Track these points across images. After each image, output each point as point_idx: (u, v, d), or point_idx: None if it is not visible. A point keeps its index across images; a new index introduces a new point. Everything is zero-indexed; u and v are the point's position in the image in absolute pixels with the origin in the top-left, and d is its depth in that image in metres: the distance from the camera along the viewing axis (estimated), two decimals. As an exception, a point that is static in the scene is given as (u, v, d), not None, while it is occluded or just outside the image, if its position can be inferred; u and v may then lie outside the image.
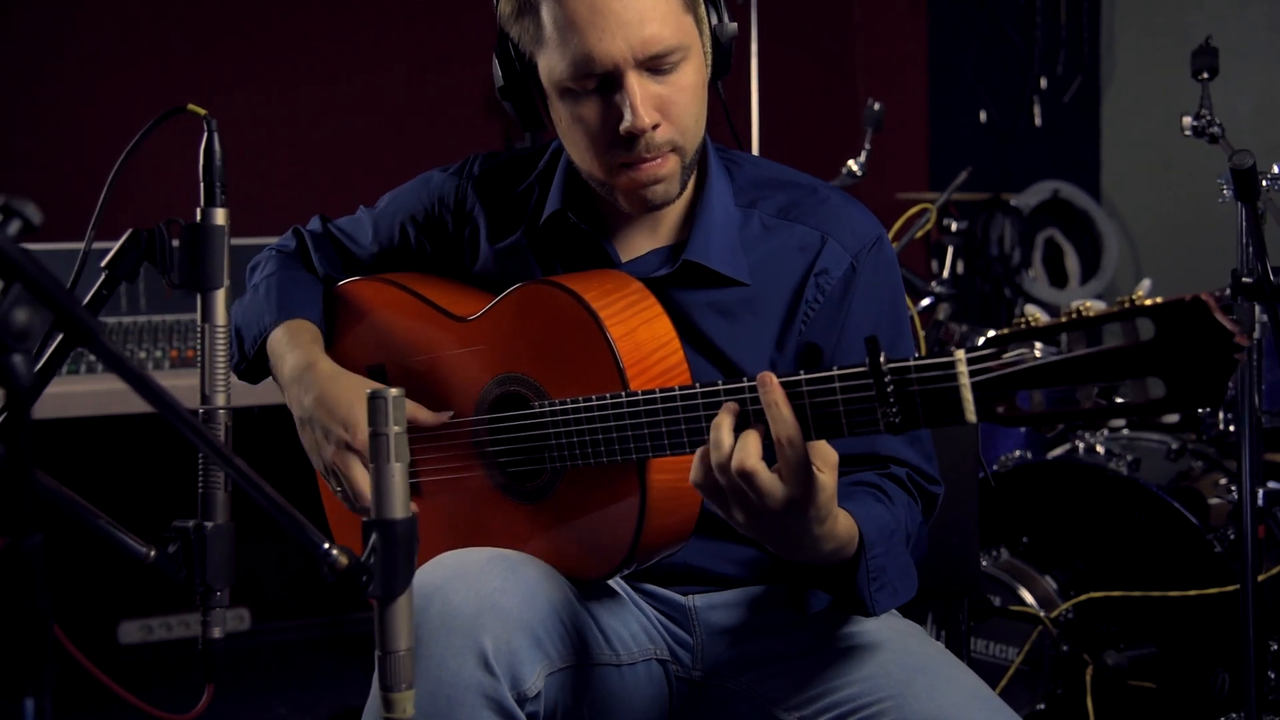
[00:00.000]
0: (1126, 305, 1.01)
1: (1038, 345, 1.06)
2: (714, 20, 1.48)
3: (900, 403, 1.13)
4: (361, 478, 1.48)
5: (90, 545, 3.04)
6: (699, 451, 1.23)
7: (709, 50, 1.48)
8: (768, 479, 1.18)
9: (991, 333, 1.10)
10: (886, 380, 1.13)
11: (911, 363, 1.12)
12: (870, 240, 1.50)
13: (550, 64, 1.41)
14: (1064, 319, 1.04)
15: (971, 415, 1.10)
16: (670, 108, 1.40)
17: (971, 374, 1.09)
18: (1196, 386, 0.99)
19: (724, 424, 1.21)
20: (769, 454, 1.20)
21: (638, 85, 1.38)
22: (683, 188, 1.47)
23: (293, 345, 1.60)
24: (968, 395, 1.10)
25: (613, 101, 1.39)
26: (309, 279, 1.70)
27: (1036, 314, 1.09)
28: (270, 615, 3.72)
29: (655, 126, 1.39)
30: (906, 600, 1.41)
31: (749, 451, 1.19)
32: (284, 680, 3.44)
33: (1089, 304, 1.04)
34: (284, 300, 1.64)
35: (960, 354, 1.10)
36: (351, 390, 1.51)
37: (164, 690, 3.21)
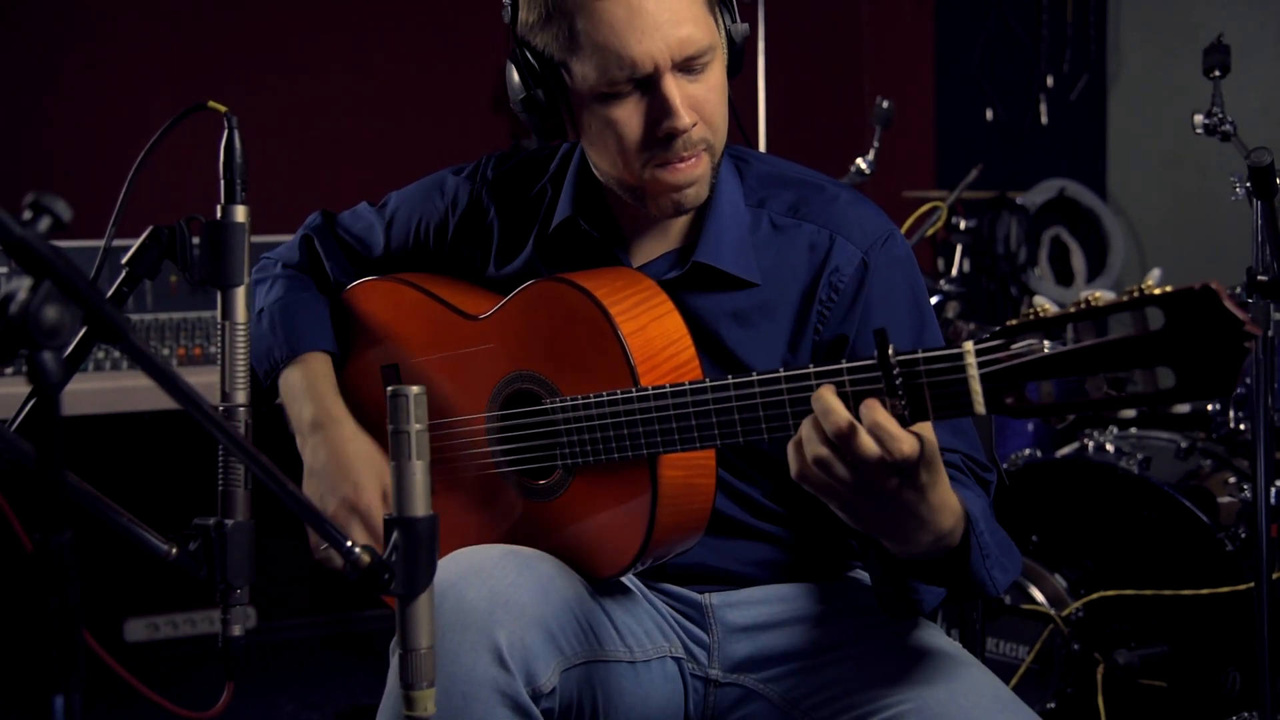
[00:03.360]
0: (1136, 295, 1.01)
1: (1046, 336, 1.05)
2: (728, 20, 1.48)
3: (909, 395, 1.13)
4: (359, 536, 1.49)
5: (96, 543, 3.03)
6: (793, 443, 1.17)
7: (726, 51, 1.48)
8: (896, 428, 1.11)
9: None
10: (895, 373, 1.13)
11: (920, 355, 1.12)
12: (881, 236, 1.49)
13: (583, 69, 1.40)
14: (1073, 309, 1.04)
15: (980, 407, 1.09)
16: (704, 107, 1.40)
17: (980, 365, 1.09)
18: (1207, 376, 0.98)
19: (828, 393, 1.14)
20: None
21: (676, 86, 1.38)
22: (711, 189, 1.46)
23: (309, 394, 1.59)
24: (976, 387, 1.09)
25: (649, 103, 1.39)
26: (316, 300, 1.69)
27: (1045, 305, 1.08)
28: (277, 613, 3.72)
29: (693, 126, 1.39)
30: (1017, 576, 1.39)
31: (874, 405, 1.13)
32: (291, 678, 3.44)
33: (1098, 294, 1.04)
34: (292, 332, 1.63)
35: (969, 345, 1.10)
36: (366, 457, 1.53)
37: (172, 688, 3.18)
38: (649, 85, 1.38)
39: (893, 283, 1.49)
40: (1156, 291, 1.00)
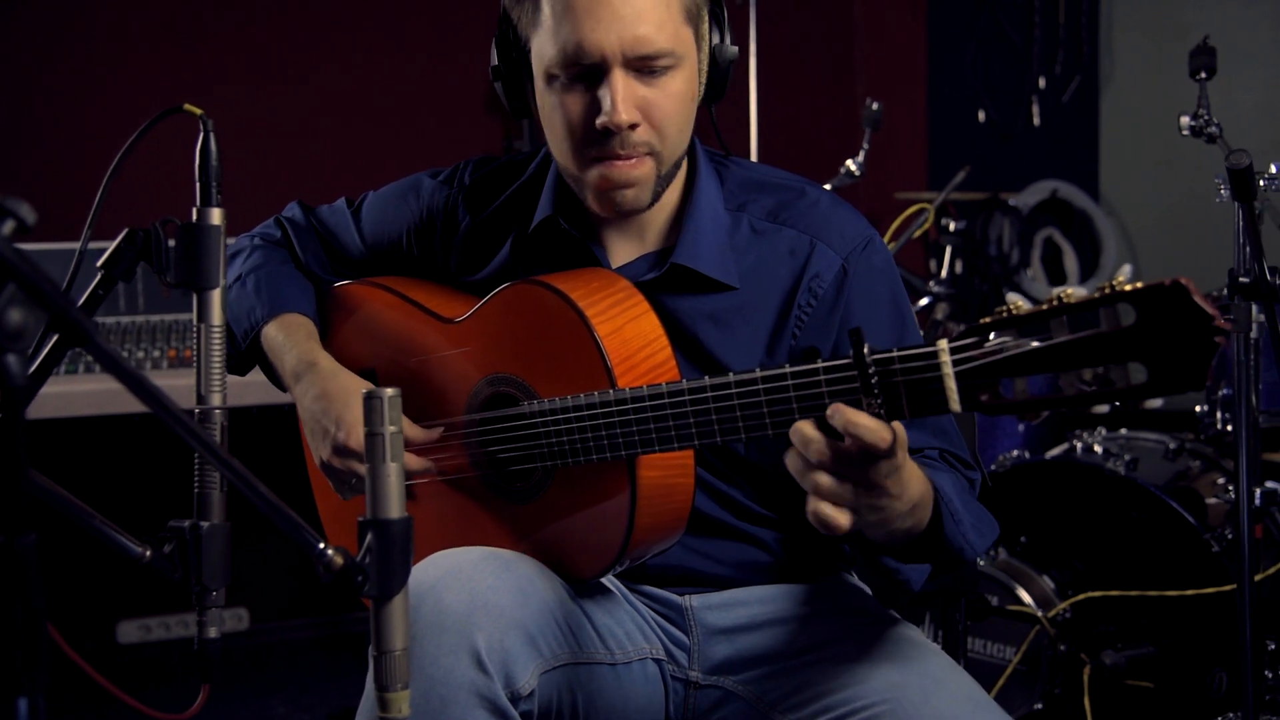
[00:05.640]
0: (1107, 291, 1.01)
1: (1020, 333, 1.06)
2: (714, 39, 1.48)
3: (885, 393, 1.13)
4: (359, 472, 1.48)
5: (89, 545, 3.03)
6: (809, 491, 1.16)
7: (704, 68, 1.48)
8: (870, 420, 1.11)
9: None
10: (870, 371, 1.13)
11: (895, 353, 1.12)
12: (860, 241, 1.50)
13: (541, 47, 1.42)
14: (1045, 306, 1.04)
15: (955, 404, 1.10)
16: (653, 111, 1.40)
17: (954, 363, 1.09)
18: (1178, 370, 0.99)
19: (805, 426, 1.15)
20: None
21: (622, 82, 1.38)
22: (654, 198, 1.46)
23: (290, 342, 1.60)
24: (951, 385, 1.10)
25: (595, 94, 1.39)
26: (297, 273, 1.70)
27: (1019, 301, 1.09)
28: (269, 615, 3.73)
29: (634, 126, 1.39)
30: (994, 538, 1.41)
31: (840, 408, 1.13)
32: (283, 680, 3.44)
33: (1070, 290, 1.05)
34: (274, 294, 1.64)
35: (943, 344, 1.10)
36: (348, 389, 1.52)
37: (163, 690, 3.21)
38: (597, 77, 1.39)
39: (872, 288, 1.49)
40: (1128, 288, 1.01)
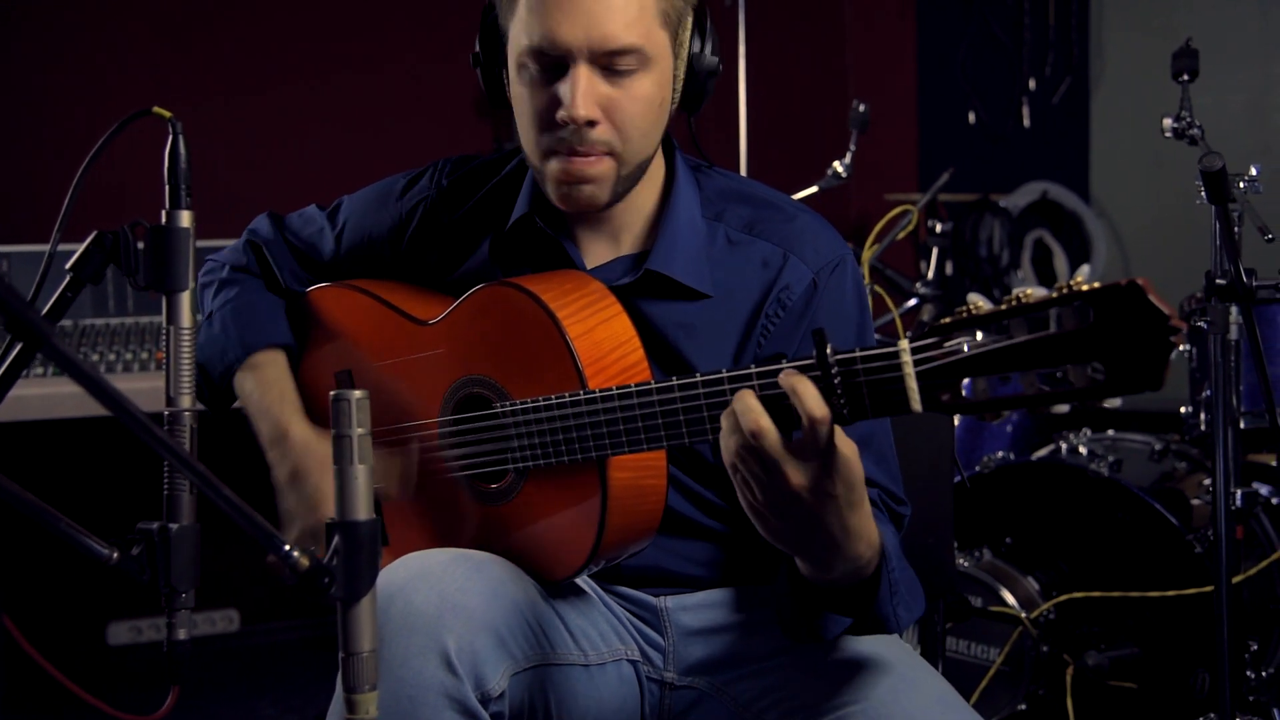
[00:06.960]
0: (1065, 291, 1.02)
1: (980, 333, 1.06)
2: (694, 47, 1.47)
3: (848, 394, 1.13)
4: None
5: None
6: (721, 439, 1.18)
7: (680, 74, 1.48)
8: (809, 388, 1.12)
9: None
10: (833, 372, 1.13)
11: (858, 354, 1.13)
12: (834, 259, 1.50)
13: (516, 37, 1.43)
14: (1004, 306, 1.05)
15: (917, 405, 1.10)
16: (615, 111, 1.40)
17: (916, 363, 1.09)
18: (1135, 370, 0.99)
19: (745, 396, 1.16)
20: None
21: (585, 77, 1.38)
22: (614, 198, 1.46)
23: (264, 404, 1.58)
24: (912, 385, 1.10)
25: (557, 87, 1.40)
26: (267, 299, 1.69)
27: (979, 301, 1.10)
28: (259, 616, 3.72)
29: (593, 124, 1.40)
30: (920, 614, 1.40)
31: (790, 371, 1.15)
32: (272, 681, 3.45)
33: (1029, 290, 1.05)
34: (245, 330, 1.63)
35: (904, 344, 1.10)
36: (323, 467, 1.51)
37: (153, 692, 3.20)
38: (563, 70, 1.40)
39: (841, 307, 1.50)
40: (1085, 288, 1.01)
